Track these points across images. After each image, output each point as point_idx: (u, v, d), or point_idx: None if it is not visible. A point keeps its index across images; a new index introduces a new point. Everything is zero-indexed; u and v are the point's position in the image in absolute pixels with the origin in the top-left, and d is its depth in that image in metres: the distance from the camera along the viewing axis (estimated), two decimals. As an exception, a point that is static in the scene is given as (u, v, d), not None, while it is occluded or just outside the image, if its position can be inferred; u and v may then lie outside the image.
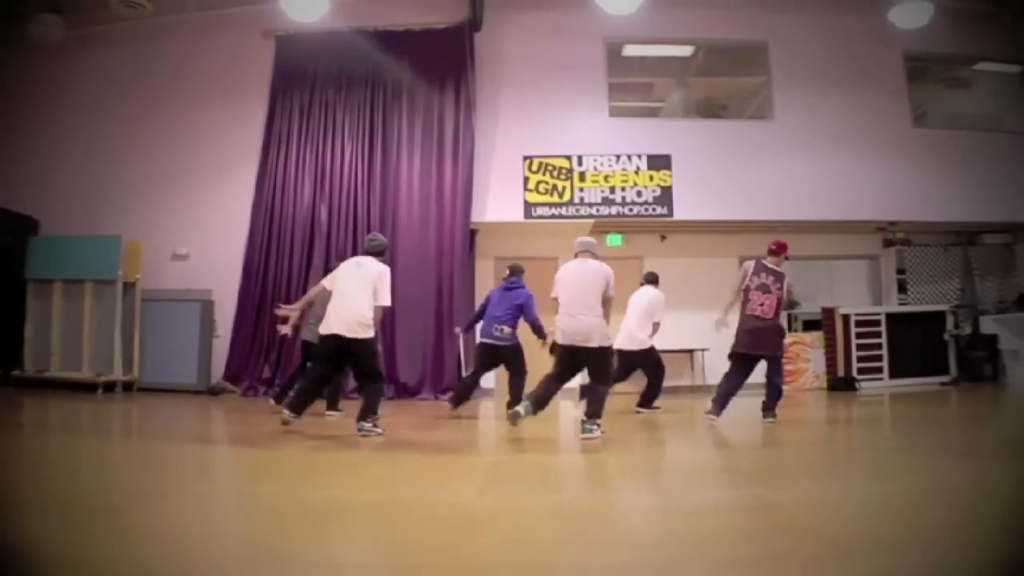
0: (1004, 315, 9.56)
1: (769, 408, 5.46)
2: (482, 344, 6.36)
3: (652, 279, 6.98)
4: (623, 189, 9.27)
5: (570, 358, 4.81)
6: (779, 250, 5.73)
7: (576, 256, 4.96)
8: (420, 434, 5.24)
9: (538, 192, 9.24)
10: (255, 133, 9.22)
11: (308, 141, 9.13)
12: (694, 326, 9.11)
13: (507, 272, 6.60)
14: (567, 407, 6.58)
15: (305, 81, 9.26)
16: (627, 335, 6.63)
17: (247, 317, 8.69)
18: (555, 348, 4.96)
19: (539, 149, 9.32)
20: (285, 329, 6.22)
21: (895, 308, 9.65)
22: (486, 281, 9.29)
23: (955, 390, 8.64)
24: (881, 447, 4.60)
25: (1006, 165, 9.63)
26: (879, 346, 9.11)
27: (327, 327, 4.80)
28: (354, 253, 8.72)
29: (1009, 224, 9.77)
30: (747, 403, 7.17)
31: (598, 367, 4.79)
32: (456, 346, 8.54)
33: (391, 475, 3.44)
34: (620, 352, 6.51)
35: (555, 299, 4.83)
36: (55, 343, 8.29)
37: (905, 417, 6.42)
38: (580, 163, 9.32)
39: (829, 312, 9.41)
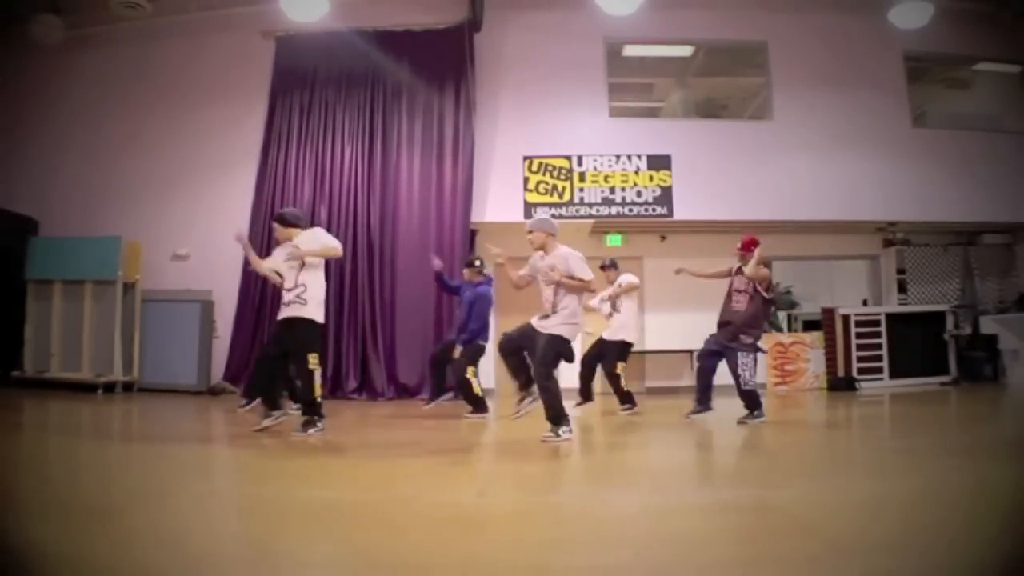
0: (1004, 315, 9.55)
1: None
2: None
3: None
4: (623, 189, 9.27)
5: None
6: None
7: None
8: (420, 434, 5.24)
9: (538, 192, 9.24)
10: (255, 133, 9.22)
11: (308, 141, 9.13)
12: (694, 327, 9.08)
13: (478, 263, 6.41)
14: (566, 408, 6.56)
15: (305, 81, 9.26)
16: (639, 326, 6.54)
17: (247, 317, 8.69)
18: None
19: (539, 149, 9.32)
20: None
21: (895, 308, 9.65)
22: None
23: (955, 390, 8.64)
24: (881, 447, 4.60)
25: (1006, 165, 9.63)
26: (879, 346, 9.11)
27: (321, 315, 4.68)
28: (354, 252, 8.79)
29: (1009, 224, 9.77)
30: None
31: None
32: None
33: (391, 475, 3.43)
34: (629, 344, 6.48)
35: (591, 281, 4.46)
36: (55, 344, 8.28)
37: (905, 417, 6.42)
38: (580, 163, 9.32)
39: (829, 312, 9.41)
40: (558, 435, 4.30)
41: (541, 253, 4.50)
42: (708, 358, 5.60)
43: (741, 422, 5.31)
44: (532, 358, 4.42)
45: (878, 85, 9.74)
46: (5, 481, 3.00)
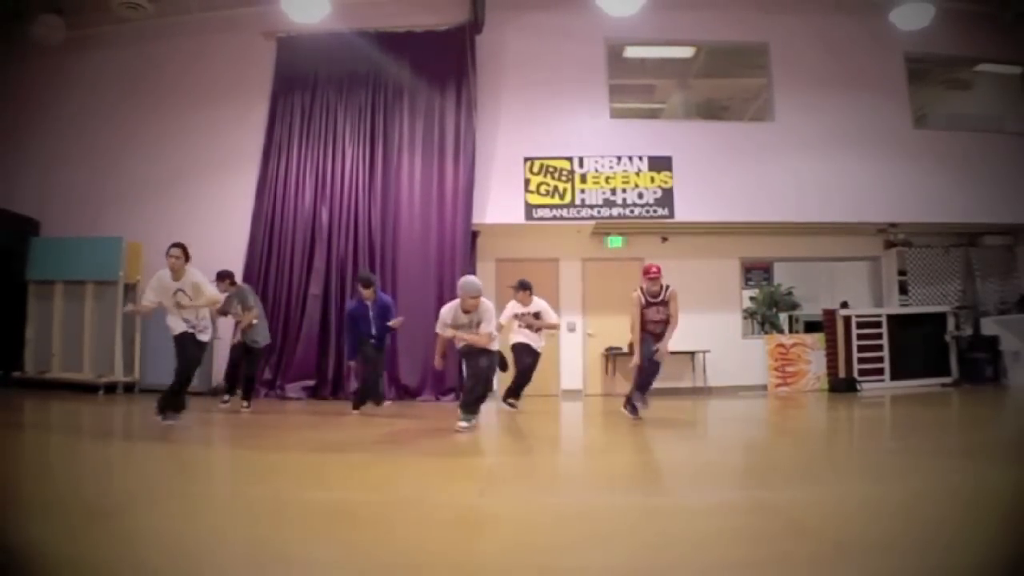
0: (1005, 316, 9.54)
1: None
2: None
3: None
4: (624, 191, 9.28)
5: None
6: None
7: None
8: (421, 435, 5.24)
9: (539, 194, 9.24)
10: (256, 134, 9.24)
11: (309, 143, 9.14)
12: (695, 328, 9.12)
13: (367, 281, 6.75)
14: (568, 409, 6.57)
15: (306, 82, 9.27)
16: None
17: (248, 318, 8.69)
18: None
19: (540, 151, 9.33)
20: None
21: (896, 309, 9.64)
22: (487, 283, 9.27)
23: (956, 392, 8.63)
24: (881, 448, 4.60)
25: (1007, 166, 9.62)
26: (880, 347, 9.10)
27: None
28: (355, 255, 8.80)
29: (1010, 226, 9.76)
30: (747, 404, 7.17)
31: None
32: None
33: (392, 476, 3.43)
34: None
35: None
36: (56, 344, 8.30)
37: (906, 418, 6.41)
38: (581, 165, 9.32)
39: (830, 313, 9.40)
40: (469, 422, 5.15)
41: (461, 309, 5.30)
42: None
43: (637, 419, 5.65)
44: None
45: (879, 86, 9.74)
46: (5, 481, 3.00)
